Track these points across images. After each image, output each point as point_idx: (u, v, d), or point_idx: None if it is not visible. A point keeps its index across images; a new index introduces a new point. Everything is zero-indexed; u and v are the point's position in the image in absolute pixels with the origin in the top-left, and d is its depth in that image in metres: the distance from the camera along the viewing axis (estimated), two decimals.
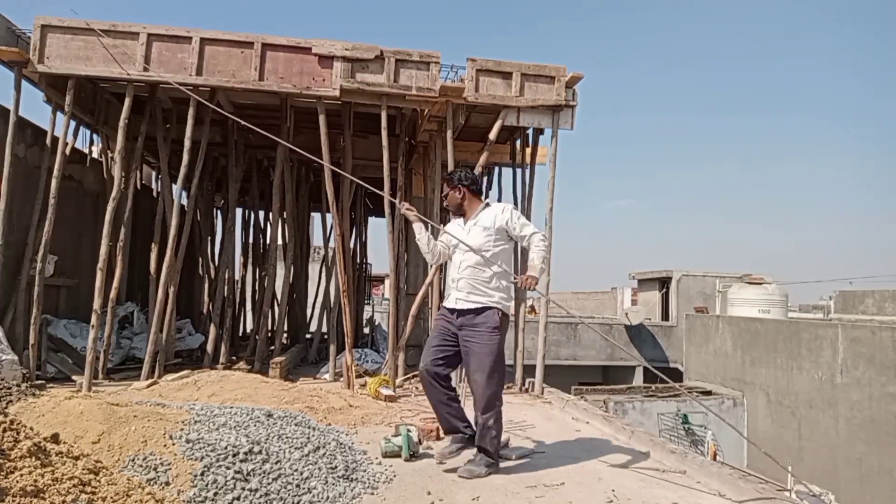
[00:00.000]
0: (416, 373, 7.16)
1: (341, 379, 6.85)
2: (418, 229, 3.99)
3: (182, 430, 3.30)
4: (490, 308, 3.68)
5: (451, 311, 3.78)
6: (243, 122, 5.53)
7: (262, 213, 10.88)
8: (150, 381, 6.04)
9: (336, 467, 3.38)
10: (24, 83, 6.27)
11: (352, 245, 10.67)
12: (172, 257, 6.53)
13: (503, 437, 4.30)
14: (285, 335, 9.58)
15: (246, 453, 3.13)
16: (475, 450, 3.71)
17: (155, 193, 9.87)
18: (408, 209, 4.06)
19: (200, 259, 9.73)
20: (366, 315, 13.48)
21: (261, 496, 2.88)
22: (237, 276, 9.52)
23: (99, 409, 3.26)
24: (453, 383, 4.02)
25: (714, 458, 10.55)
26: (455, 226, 4.00)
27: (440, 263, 4.39)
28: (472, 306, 3.70)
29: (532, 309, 17.59)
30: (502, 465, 3.85)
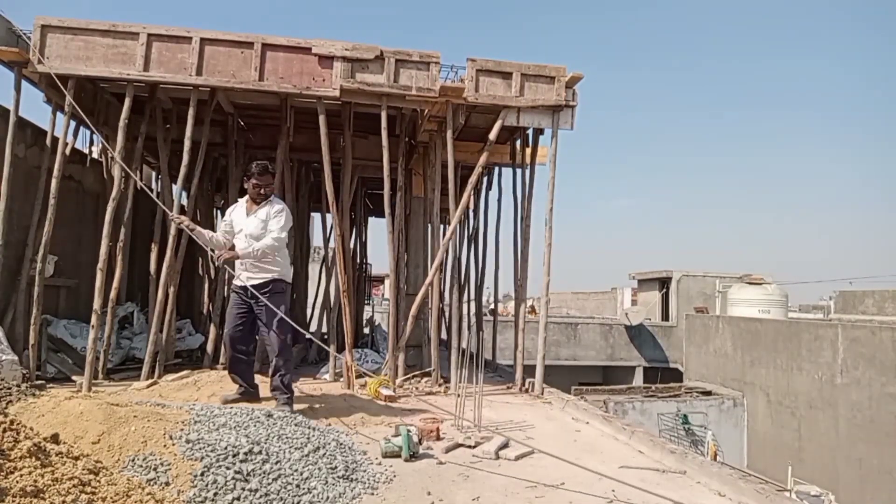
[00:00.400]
0: (417, 373, 7.21)
1: (341, 379, 6.85)
2: (198, 235, 4.93)
3: (182, 430, 3.30)
4: (273, 280, 4.75)
5: (243, 288, 4.75)
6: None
7: None
8: (150, 381, 6.03)
9: (336, 467, 3.38)
10: (24, 83, 6.27)
11: (352, 245, 10.67)
12: (172, 257, 6.53)
13: (504, 438, 4.37)
14: None
15: (246, 453, 3.13)
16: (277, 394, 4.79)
17: (155, 194, 9.86)
18: (179, 222, 5.02)
19: (200, 259, 9.72)
20: (366, 315, 13.48)
21: (261, 496, 2.89)
22: None
23: (99, 409, 3.26)
24: (251, 347, 5.11)
25: (714, 459, 10.55)
26: (238, 211, 4.99)
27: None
28: (260, 281, 4.71)
29: (532, 309, 17.59)
30: (502, 464, 3.92)
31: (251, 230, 4.80)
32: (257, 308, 4.77)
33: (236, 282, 4.88)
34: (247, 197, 5.01)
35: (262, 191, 4.93)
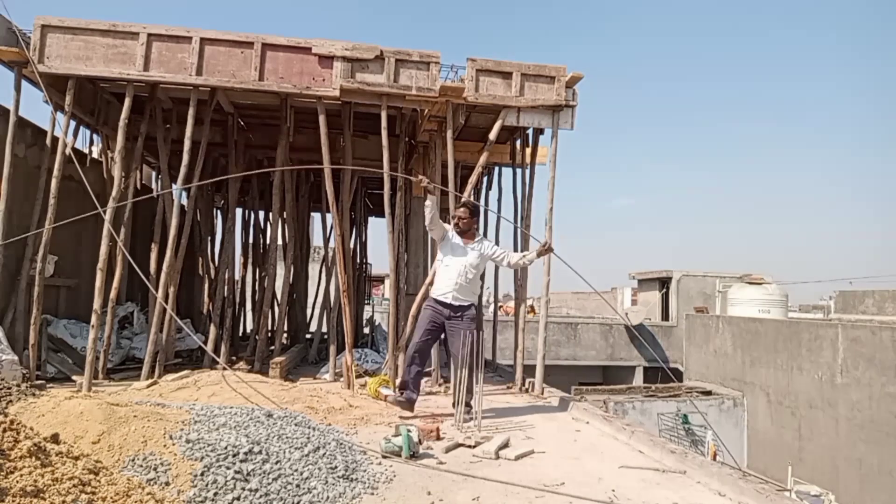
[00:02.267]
0: None
1: (341, 379, 6.85)
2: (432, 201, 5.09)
3: (182, 430, 3.30)
4: (474, 305, 5.37)
5: (447, 305, 5.20)
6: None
7: (262, 214, 10.88)
8: (150, 381, 6.03)
9: (336, 467, 3.38)
10: (24, 83, 6.27)
11: (352, 245, 10.67)
12: (172, 257, 6.53)
13: (504, 438, 4.40)
14: (285, 335, 9.58)
15: (246, 453, 3.13)
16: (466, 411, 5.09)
17: (155, 193, 9.86)
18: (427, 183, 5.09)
19: (200, 259, 9.72)
20: (366, 315, 13.48)
21: (261, 496, 2.88)
22: (237, 277, 9.52)
23: (99, 409, 3.26)
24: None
25: (714, 458, 10.55)
26: (457, 239, 5.30)
27: (432, 231, 5.31)
28: (465, 303, 5.23)
29: (532, 309, 17.58)
30: (502, 464, 3.92)
31: (471, 261, 5.24)
32: (452, 327, 5.14)
33: (443, 298, 5.18)
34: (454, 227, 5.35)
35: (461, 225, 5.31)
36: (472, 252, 5.27)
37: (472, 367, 4.99)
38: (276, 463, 3.17)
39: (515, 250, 7.93)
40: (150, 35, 6.19)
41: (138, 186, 7.50)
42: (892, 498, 9.73)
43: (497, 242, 9.25)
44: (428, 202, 5.07)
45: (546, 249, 5.40)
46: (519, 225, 7.81)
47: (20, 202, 6.34)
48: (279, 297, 8.33)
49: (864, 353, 10.51)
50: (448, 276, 5.21)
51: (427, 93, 6.47)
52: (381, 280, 28.31)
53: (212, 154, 8.76)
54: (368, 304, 15.85)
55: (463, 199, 5.61)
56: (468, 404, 5.08)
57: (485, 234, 9.71)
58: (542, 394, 6.63)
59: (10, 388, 3.75)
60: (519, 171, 7.87)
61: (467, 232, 5.32)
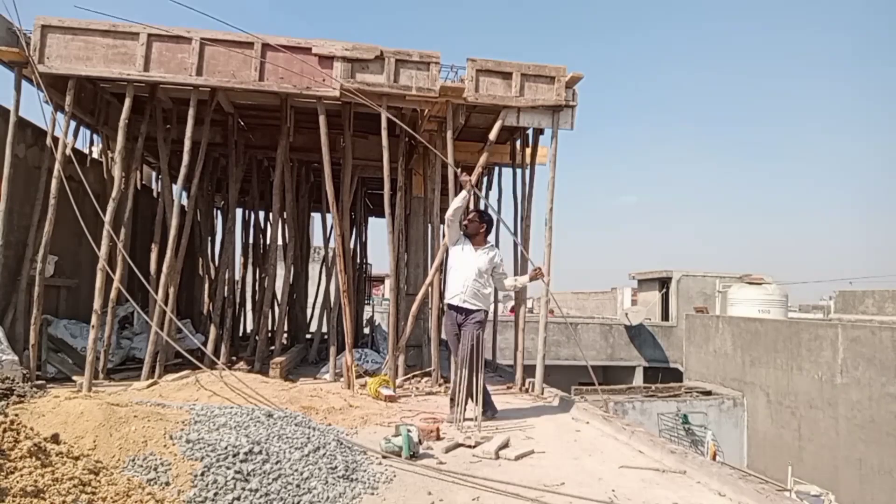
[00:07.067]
0: (417, 373, 7.21)
1: (341, 379, 6.85)
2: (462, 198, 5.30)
3: (182, 430, 3.30)
4: (483, 310, 5.28)
5: (459, 308, 5.25)
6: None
7: (262, 214, 10.88)
8: (150, 381, 6.03)
9: (336, 467, 3.38)
10: (25, 83, 6.27)
11: (352, 245, 10.67)
12: (172, 257, 6.53)
13: (504, 438, 4.39)
14: (285, 335, 9.58)
15: (246, 453, 3.13)
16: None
17: (155, 194, 9.86)
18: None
19: (200, 259, 9.72)
20: (366, 315, 13.48)
21: (261, 496, 2.89)
22: (237, 277, 9.52)
23: (99, 409, 3.26)
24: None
25: (714, 458, 10.55)
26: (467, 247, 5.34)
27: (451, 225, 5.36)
28: (474, 308, 5.21)
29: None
30: (502, 464, 3.92)
31: (480, 264, 5.26)
32: (462, 328, 5.25)
33: (452, 301, 5.28)
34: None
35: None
36: (482, 256, 5.30)
37: (472, 368, 5.01)
38: (277, 463, 3.17)
39: (515, 250, 7.95)
40: (150, 35, 6.18)
41: (138, 186, 7.50)
42: (892, 498, 9.73)
43: (497, 243, 9.26)
44: (462, 194, 5.31)
45: (538, 274, 5.46)
46: (518, 225, 7.81)
47: (20, 202, 6.35)
48: (279, 297, 8.33)
49: (863, 353, 10.51)
50: (455, 279, 5.28)
51: (427, 93, 6.47)
52: (381, 280, 28.35)
53: (212, 154, 8.77)
54: (368, 304, 15.86)
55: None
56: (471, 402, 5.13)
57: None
58: (542, 394, 6.63)
59: (11, 388, 3.76)
60: (519, 171, 7.87)
61: (475, 237, 5.39)
